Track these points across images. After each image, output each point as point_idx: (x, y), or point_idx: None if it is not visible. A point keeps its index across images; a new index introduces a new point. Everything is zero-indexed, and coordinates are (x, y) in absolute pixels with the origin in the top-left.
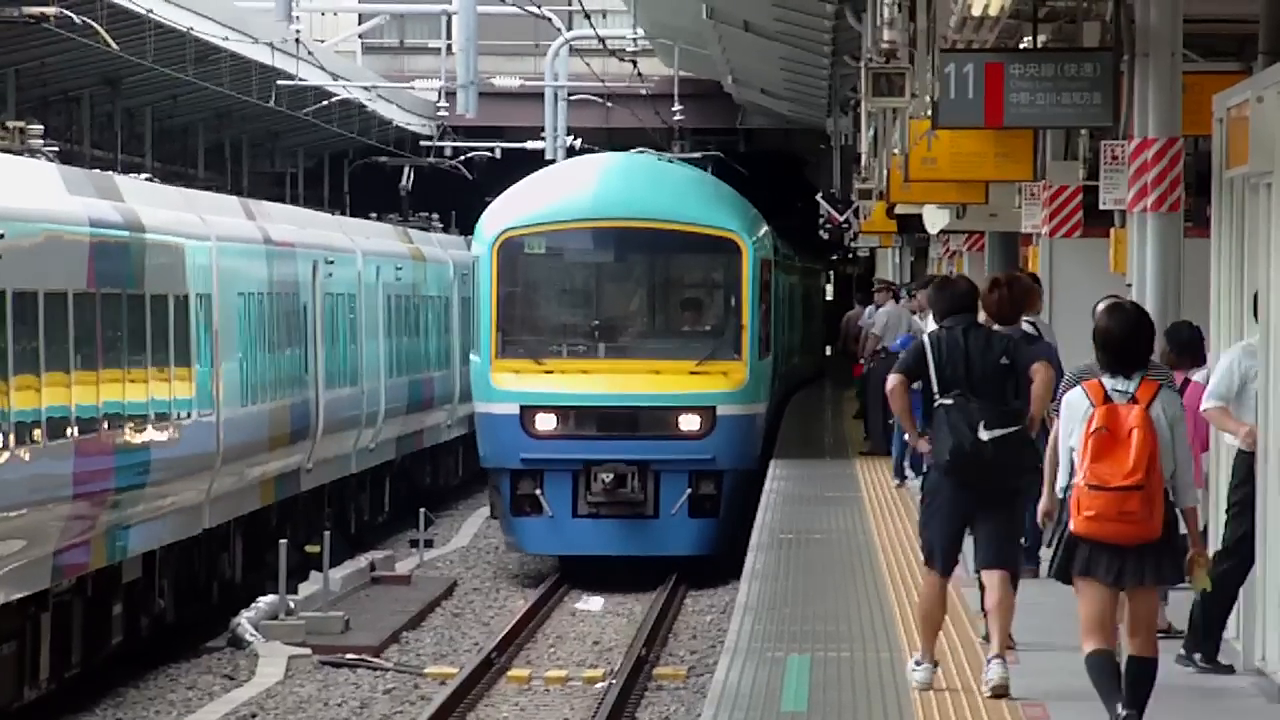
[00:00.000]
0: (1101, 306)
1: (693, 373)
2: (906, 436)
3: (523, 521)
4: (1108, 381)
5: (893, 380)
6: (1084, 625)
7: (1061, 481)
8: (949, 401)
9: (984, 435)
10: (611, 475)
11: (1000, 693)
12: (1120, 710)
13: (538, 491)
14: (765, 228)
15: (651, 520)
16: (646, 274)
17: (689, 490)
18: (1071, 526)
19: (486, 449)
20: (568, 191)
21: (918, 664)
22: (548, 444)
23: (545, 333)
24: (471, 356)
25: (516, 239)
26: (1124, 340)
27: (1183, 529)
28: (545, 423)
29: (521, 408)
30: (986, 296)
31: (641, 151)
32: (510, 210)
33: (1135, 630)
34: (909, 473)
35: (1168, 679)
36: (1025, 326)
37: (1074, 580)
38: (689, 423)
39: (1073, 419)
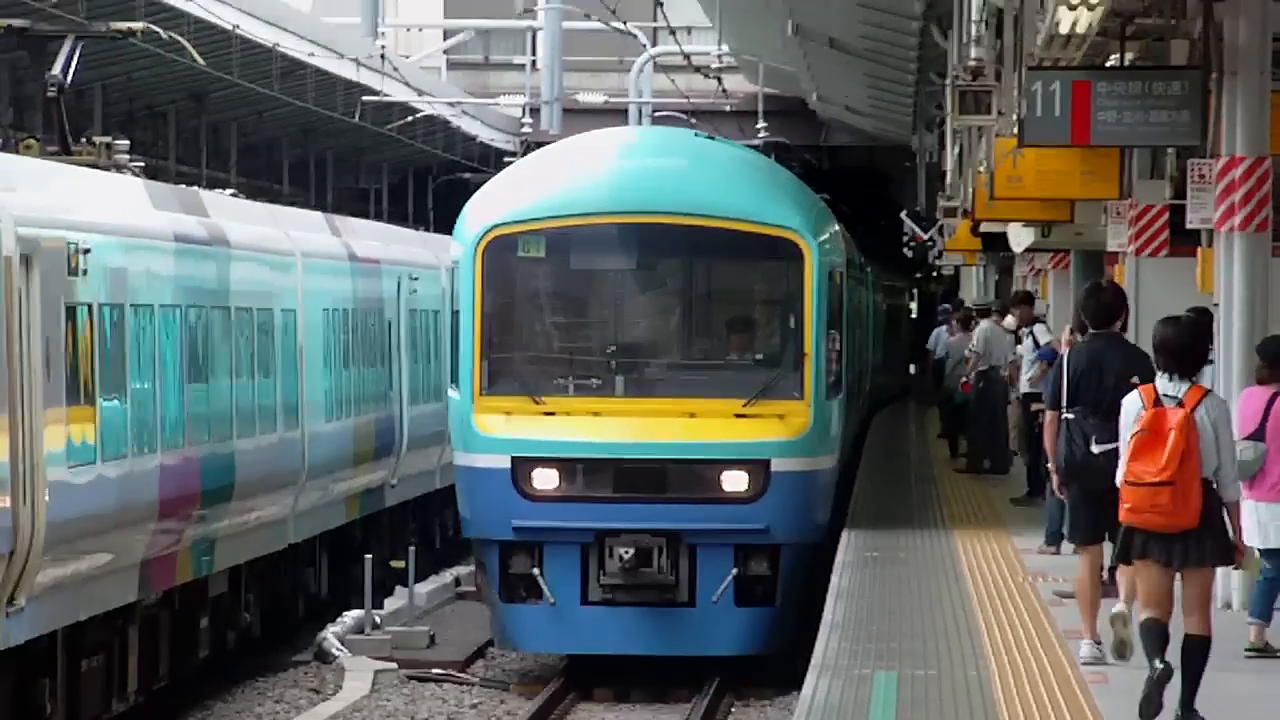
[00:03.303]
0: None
1: (740, 415)
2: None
3: (516, 610)
4: (1161, 385)
5: (1048, 417)
6: (1143, 601)
7: (1121, 474)
8: (1070, 416)
9: (1095, 449)
10: (632, 550)
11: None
12: (1158, 664)
13: (535, 571)
14: (836, 227)
15: (686, 610)
16: (680, 285)
17: (735, 570)
18: (1120, 516)
19: (468, 513)
20: (577, 177)
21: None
22: (548, 508)
23: (545, 362)
24: (449, 393)
25: (508, 239)
26: (1181, 345)
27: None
28: (545, 480)
29: (514, 460)
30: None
31: (681, 118)
32: (500, 201)
33: (1190, 609)
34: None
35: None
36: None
37: (1133, 562)
38: (735, 481)
39: (1128, 419)
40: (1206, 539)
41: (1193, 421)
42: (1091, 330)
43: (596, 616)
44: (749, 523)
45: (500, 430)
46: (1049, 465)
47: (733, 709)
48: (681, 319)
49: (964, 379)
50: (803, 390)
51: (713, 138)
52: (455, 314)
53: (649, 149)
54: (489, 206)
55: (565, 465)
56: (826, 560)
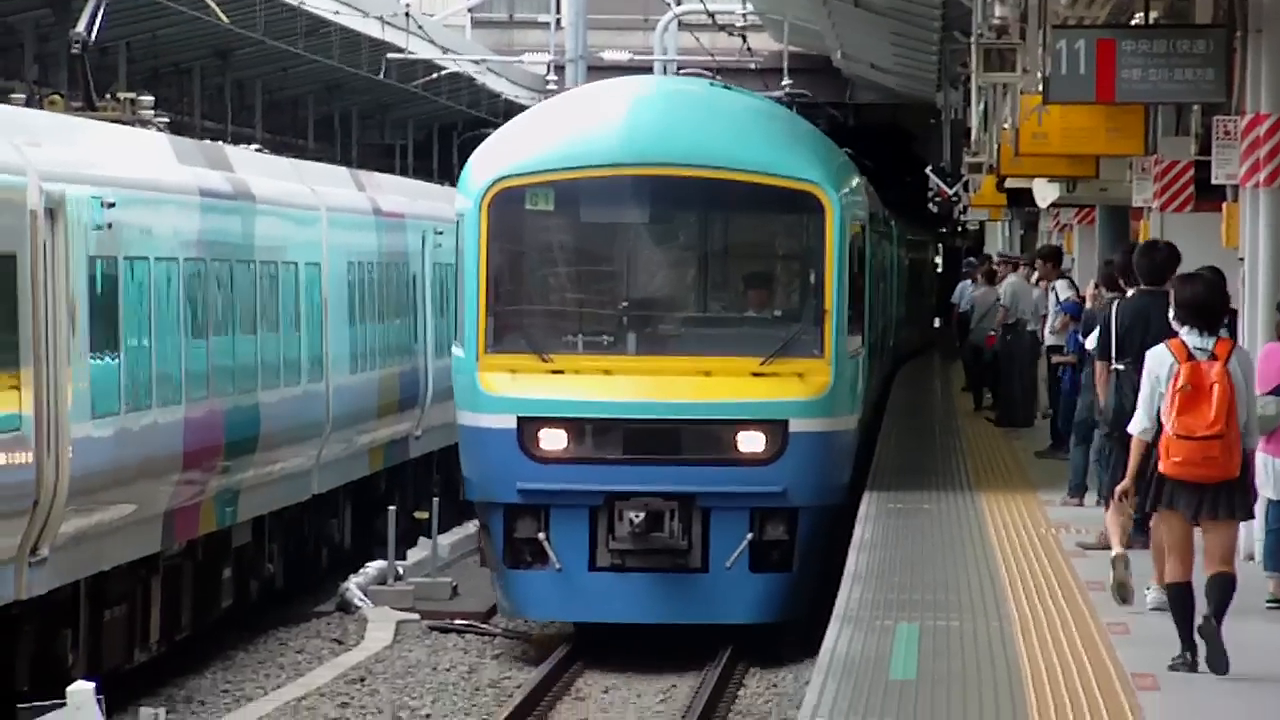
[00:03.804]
0: (1178, 275)
1: (757, 374)
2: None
3: (522, 576)
4: (1189, 339)
5: (1098, 367)
6: (1167, 554)
7: (1139, 424)
8: (1120, 368)
9: None
10: (644, 513)
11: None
12: (1195, 636)
13: (541, 535)
14: (857, 179)
15: (699, 575)
16: (694, 240)
17: (750, 535)
18: (1161, 468)
19: (472, 475)
20: (588, 127)
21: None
22: (555, 470)
23: (553, 318)
24: (453, 350)
25: (515, 190)
26: (1211, 301)
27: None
28: (552, 441)
29: (519, 420)
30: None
31: (694, 73)
32: (508, 152)
33: (1212, 560)
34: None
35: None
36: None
37: (1158, 511)
38: (751, 442)
39: (1157, 372)
40: (1235, 492)
41: (1229, 374)
42: (1143, 285)
43: (605, 583)
44: (765, 485)
45: (506, 389)
46: (1096, 415)
47: (745, 679)
48: (697, 274)
49: (990, 332)
50: (823, 348)
51: (729, 87)
52: (459, 268)
53: (663, 98)
54: (495, 157)
55: (573, 425)
56: (846, 524)
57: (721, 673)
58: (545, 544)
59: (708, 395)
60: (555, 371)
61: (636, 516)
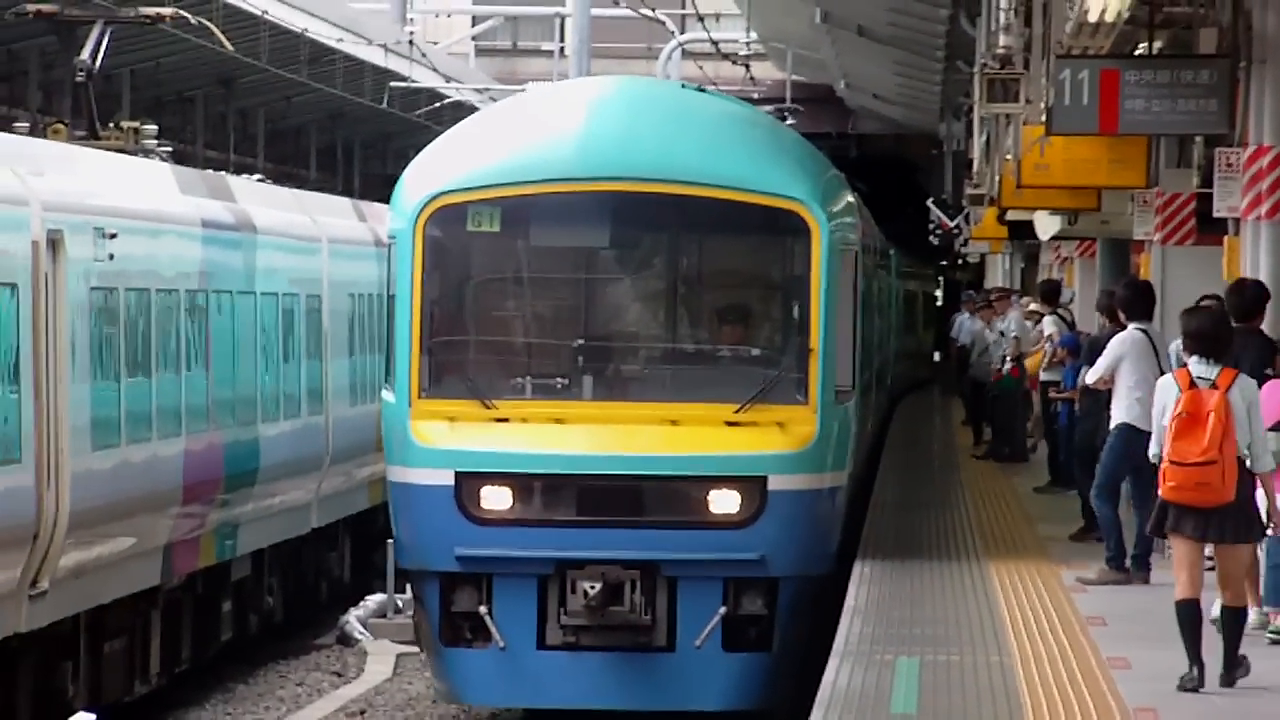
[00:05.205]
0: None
1: (731, 423)
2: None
3: (460, 656)
4: (1194, 368)
5: None
6: (1175, 573)
7: (1152, 451)
8: None
9: None
10: (600, 584)
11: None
12: (1195, 671)
13: (483, 609)
14: (850, 198)
15: (664, 655)
16: (661, 267)
17: (723, 608)
18: (1161, 493)
19: (404, 539)
20: (539, 135)
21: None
22: (499, 533)
23: (498, 358)
24: (383, 394)
25: (454, 209)
26: (1216, 331)
27: (1259, 492)
28: (495, 500)
29: (458, 476)
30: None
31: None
32: (447, 164)
33: (1225, 584)
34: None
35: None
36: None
37: (1167, 535)
38: (724, 502)
39: (1164, 401)
40: (1240, 516)
41: (1228, 403)
42: (1234, 322)
43: (556, 664)
44: (741, 552)
45: (442, 440)
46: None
47: None
48: (663, 307)
49: (997, 367)
50: (807, 393)
51: (703, 89)
52: (390, 299)
53: (626, 103)
54: (432, 170)
55: (520, 482)
56: (834, 597)
57: None
58: (487, 619)
59: (674, 448)
60: (499, 419)
61: (592, 587)
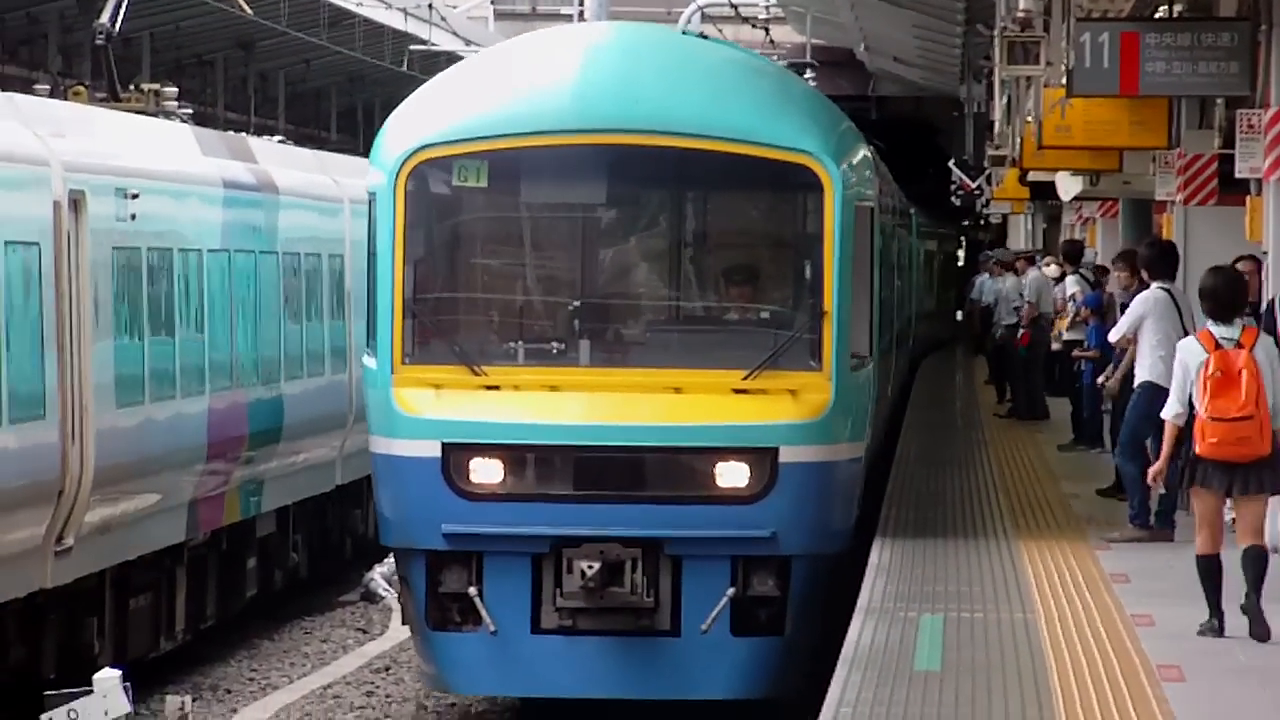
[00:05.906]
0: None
1: (739, 391)
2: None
3: (448, 640)
4: (1215, 330)
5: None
6: (1198, 528)
7: (1171, 410)
8: None
9: None
10: (599, 563)
11: None
12: (1222, 604)
13: (473, 590)
14: (865, 152)
15: (668, 640)
16: (663, 225)
17: (732, 589)
18: (1196, 449)
19: (389, 515)
20: (531, 84)
21: None
22: (490, 509)
23: (487, 322)
24: (364, 360)
25: (439, 162)
26: (1231, 292)
27: None
28: (486, 473)
29: (445, 448)
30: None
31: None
32: (431, 114)
33: (1244, 534)
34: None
35: None
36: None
37: (1192, 488)
38: (733, 475)
39: (1188, 362)
40: (1266, 470)
41: (1255, 360)
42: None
43: (551, 649)
44: (750, 529)
45: (428, 409)
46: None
47: None
48: (665, 268)
49: (1022, 330)
50: (821, 359)
51: (706, 37)
52: (371, 258)
53: (625, 50)
54: (416, 122)
55: (512, 454)
56: (850, 576)
57: None
58: (477, 600)
59: (678, 417)
60: (490, 387)
61: (590, 567)
